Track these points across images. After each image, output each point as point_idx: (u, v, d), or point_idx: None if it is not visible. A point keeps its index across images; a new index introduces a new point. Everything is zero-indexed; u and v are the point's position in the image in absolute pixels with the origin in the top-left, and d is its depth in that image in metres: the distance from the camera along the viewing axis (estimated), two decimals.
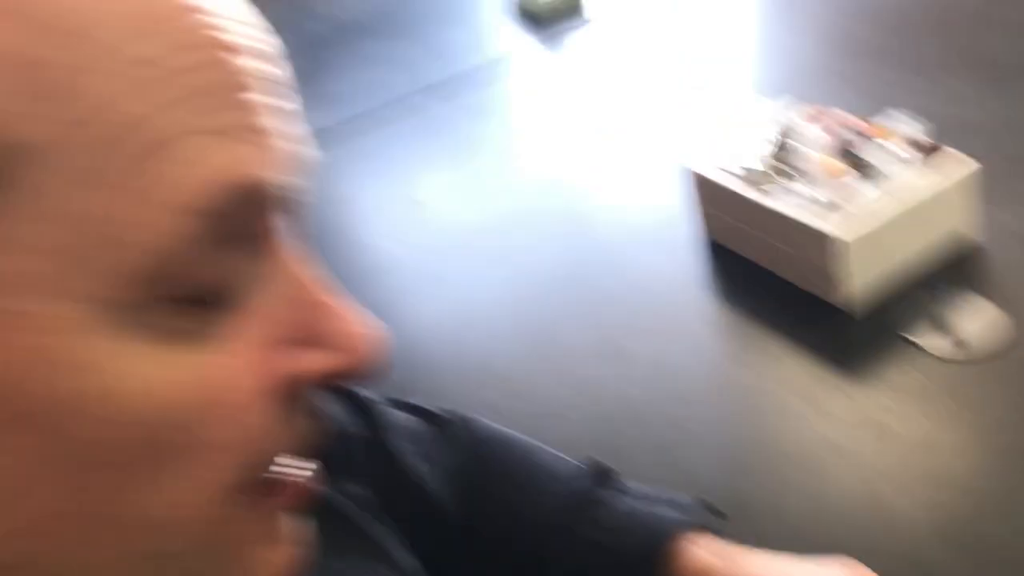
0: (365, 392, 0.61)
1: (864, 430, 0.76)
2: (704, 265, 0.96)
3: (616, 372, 0.87)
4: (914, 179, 0.85)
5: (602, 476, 0.62)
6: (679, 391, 0.84)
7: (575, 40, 1.51)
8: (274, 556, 0.32)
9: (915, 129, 0.89)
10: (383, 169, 1.30)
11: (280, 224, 0.29)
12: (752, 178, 0.90)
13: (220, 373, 0.27)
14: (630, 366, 0.87)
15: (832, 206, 0.83)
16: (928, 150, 0.88)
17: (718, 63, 1.33)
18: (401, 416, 0.63)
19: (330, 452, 0.52)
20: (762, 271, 0.91)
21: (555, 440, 0.75)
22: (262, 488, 0.30)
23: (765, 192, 0.88)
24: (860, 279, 0.82)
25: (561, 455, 0.68)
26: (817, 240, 0.82)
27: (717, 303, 0.93)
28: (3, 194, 0.23)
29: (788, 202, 0.86)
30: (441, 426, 0.65)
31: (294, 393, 0.29)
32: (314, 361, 0.29)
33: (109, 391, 0.26)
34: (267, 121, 0.27)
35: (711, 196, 0.94)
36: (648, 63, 1.39)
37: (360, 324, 0.30)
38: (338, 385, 0.30)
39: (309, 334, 0.29)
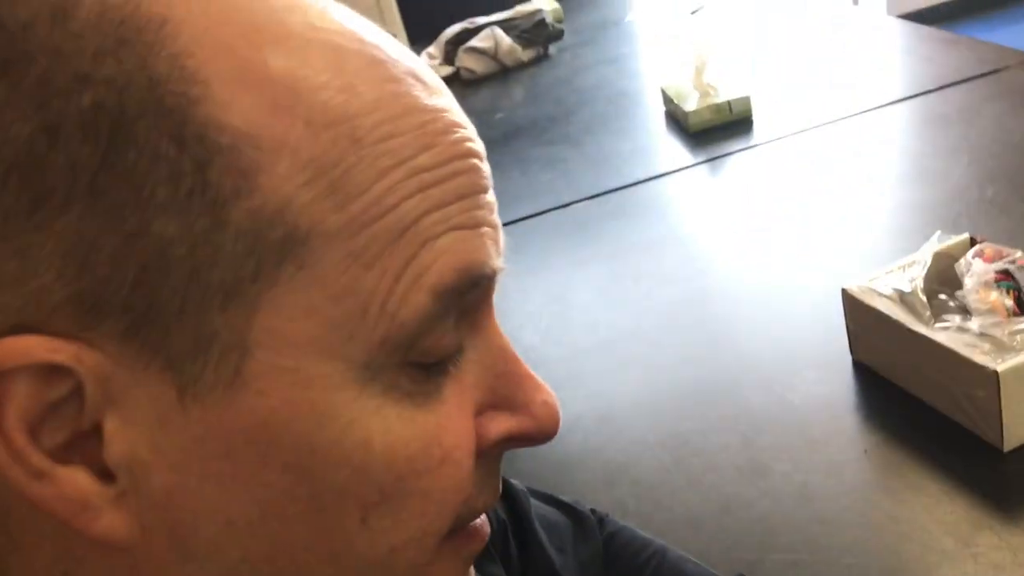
0: (511, 480, 0.64)
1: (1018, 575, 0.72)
2: (852, 387, 0.95)
3: (754, 487, 0.87)
4: None
5: None
6: (819, 512, 0.82)
7: (739, 158, 1.53)
8: None
9: None
10: (536, 268, 1.35)
11: (490, 306, 0.34)
12: (907, 302, 0.89)
13: (444, 432, 0.32)
14: (769, 482, 0.87)
15: (988, 339, 0.82)
16: None
17: (884, 190, 1.33)
18: (540, 506, 0.67)
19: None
20: (910, 397, 0.89)
21: (687, 549, 0.76)
22: (458, 536, 0.34)
23: (918, 318, 0.87)
24: (1013, 414, 0.80)
25: (695, 561, 0.69)
26: (967, 369, 0.80)
27: (863, 426, 0.91)
28: (292, 268, 0.29)
29: (941, 330, 0.84)
30: (577, 519, 0.68)
31: (493, 452, 0.34)
32: (509, 424, 0.34)
33: (361, 443, 0.29)
34: (491, 215, 0.33)
35: (862, 317, 0.93)
36: (812, 186, 1.40)
37: (546, 394, 0.34)
38: (522, 446, 0.35)
39: (504, 399, 0.34)
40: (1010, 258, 0.89)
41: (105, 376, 0.28)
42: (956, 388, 0.83)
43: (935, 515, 0.79)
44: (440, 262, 0.30)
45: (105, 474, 0.29)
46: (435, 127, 0.31)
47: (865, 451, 0.87)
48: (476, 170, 0.32)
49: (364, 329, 0.29)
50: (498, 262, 0.33)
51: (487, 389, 0.34)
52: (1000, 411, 0.80)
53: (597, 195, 1.52)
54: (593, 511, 0.73)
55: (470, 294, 0.32)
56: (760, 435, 0.92)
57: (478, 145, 0.33)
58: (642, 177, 1.54)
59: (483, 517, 0.36)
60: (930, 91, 1.57)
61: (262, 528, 0.30)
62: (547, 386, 0.35)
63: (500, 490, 0.36)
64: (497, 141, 1.84)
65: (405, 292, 0.30)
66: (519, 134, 1.86)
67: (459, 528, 0.34)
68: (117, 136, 0.26)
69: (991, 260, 0.89)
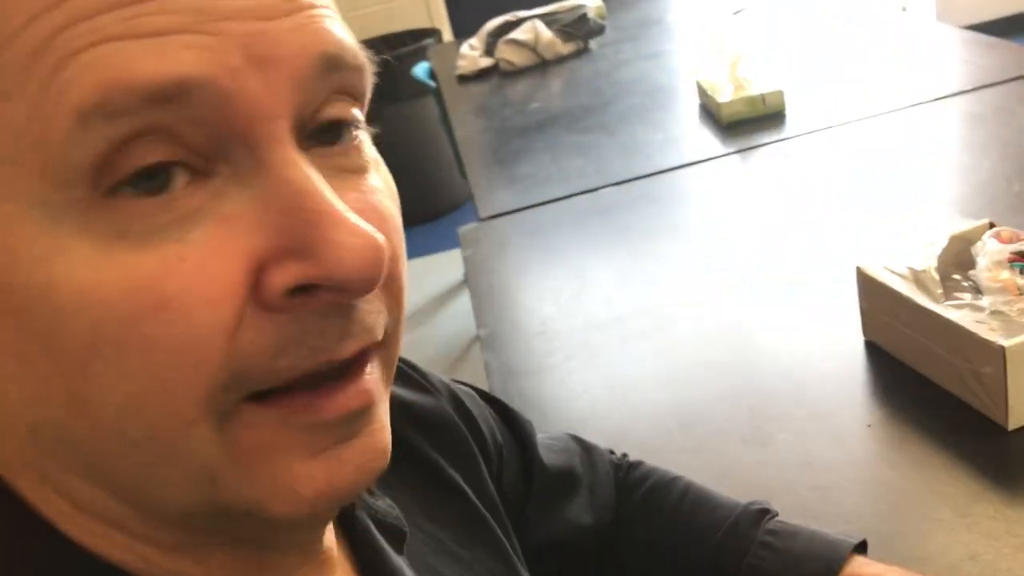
0: (515, 410, 0.66)
1: (1011, 547, 0.72)
2: (862, 365, 0.95)
3: (759, 457, 0.87)
4: None
5: (764, 510, 0.68)
6: (819, 480, 0.83)
7: (770, 150, 1.54)
8: (318, 470, 0.31)
9: None
10: (559, 247, 1.37)
11: (275, 131, 0.29)
12: (919, 281, 0.89)
13: (167, 276, 0.28)
14: (774, 453, 0.87)
15: (998, 316, 0.82)
16: None
17: (911, 183, 1.33)
18: (550, 435, 0.69)
19: (470, 453, 0.57)
20: (918, 375, 0.89)
21: None
22: (283, 401, 0.31)
23: (930, 296, 0.87)
24: (1019, 391, 0.79)
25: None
26: (974, 345, 0.80)
27: (869, 402, 0.91)
28: None
29: (951, 308, 0.85)
30: (585, 446, 0.71)
31: (287, 304, 0.29)
32: (297, 271, 0.29)
33: (52, 284, 0.28)
34: (194, 21, 0.28)
35: (875, 295, 0.93)
36: (839, 178, 1.40)
37: (347, 233, 0.29)
38: (337, 297, 0.31)
39: (299, 244, 0.29)
40: None
41: None
42: (963, 365, 0.83)
43: (935, 488, 0.79)
44: (84, 79, 0.27)
45: None
46: None
47: (869, 425, 0.87)
48: None
49: (23, 165, 0.27)
50: (219, 78, 0.28)
51: (277, 231, 0.29)
52: (1006, 388, 0.80)
53: (626, 181, 1.53)
54: (611, 451, 0.76)
55: (170, 110, 0.28)
56: (765, 406, 0.93)
57: None
58: (671, 165, 1.55)
59: (352, 388, 0.32)
60: (966, 91, 1.56)
61: (19, 371, 0.29)
62: (360, 225, 0.29)
63: (342, 354, 0.31)
64: (530, 128, 1.86)
65: (49, 118, 0.27)
66: (553, 122, 1.88)
67: (290, 391, 0.31)
68: None
69: (1007, 242, 0.89)
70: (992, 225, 0.95)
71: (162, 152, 0.28)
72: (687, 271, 1.22)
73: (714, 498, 0.70)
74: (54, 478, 0.33)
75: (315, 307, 0.30)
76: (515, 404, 0.72)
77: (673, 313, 1.13)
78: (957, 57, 1.76)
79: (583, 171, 1.61)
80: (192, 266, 0.28)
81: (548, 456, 0.67)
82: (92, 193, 0.28)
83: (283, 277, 0.29)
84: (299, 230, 0.29)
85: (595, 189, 1.52)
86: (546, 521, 0.65)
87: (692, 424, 0.93)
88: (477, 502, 0.56)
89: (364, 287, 0.30)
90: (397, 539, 0.46)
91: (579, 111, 1.92)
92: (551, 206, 1.50)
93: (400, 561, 0.45)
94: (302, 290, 0.29)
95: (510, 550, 0.57)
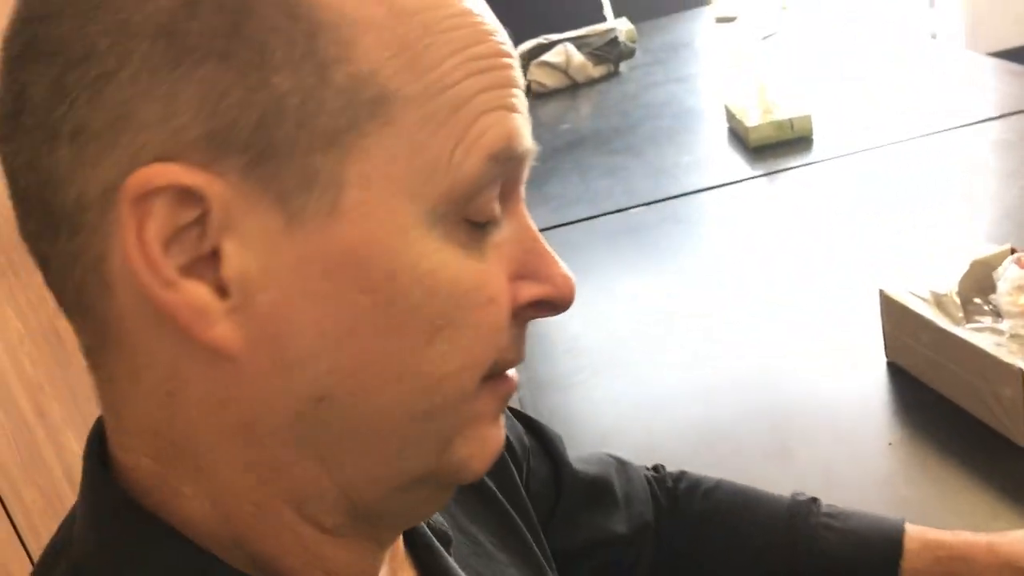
0: (545, 425, 0.69)
1: None
2: (884, 385, 0.97)
3: (781, 472, 0.89)
4: None
5: (812, 498, 0.72)
6: (840, 497, 0.84)
7: (797, 174, 1.56)
8: (497, 433, 0.42)
9: None
10: (587, 264, 1.39)
11: (522, 189, 0.40)
12: (941, 304, 0.91)
13: (490, 278, 0.38)
14: (796, 468, 0.89)
15: (1017, 339, 0.83)
16: None
17: (936, 208, 1.34)
18: (584, 453, 0.72)
19: (504, 465, 0.60)
20: (939, 396, 0.91)
21: None
22: (496, 378, 0.40)
23: (951, 319, 0.89)
24: None
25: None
26: (994, 368, 0.82)
27: (891, 421, 0.93)
28: (379, 123, 0.35)
29: (972, 331, 0.86)
30: (622, 462, 0.74)
31: (522, 314, 0.40)
32: (536, 290, 0.39)
33: (430, 272, 0.36)
34: (524, 106, 0.39)
35: (897, 317, 0.95)
36: (866, 202, 1.42)
37: (565, 269, 0.40)
38: (544, 314, 0.40)
39: (530, 271, 0.39)
40: None
41: (227, 203, 0.34)
42: (983, 387, 0.85)
43: (953, 505, 0.81)
44: (491, 132, 0.36)
45: (221, 290, 0.35)
46: (483, 27, 0.37)
47: (890, 444, 0.89)
48: (511, 67, 0.38)
49: (433, 180, 0.35)
50: (530, 144, 0.39)
51: (517, 261, 0.39)
52: (1022, 408, 0.82)
53: (654, 202, 1.56)
54: (647, 467, 0.78)
55: (510, 166, 0.38)
56: (789, 424, 0.95)
57: (510, 48, 0.39)
58: (699, 187, 1.58)
59: (514, 371, 0.42)
60: (993, 118, 1.58)
61: (348, 342, 0.35)
62: (565, 264, 0.41)
63: (524, 356, 0.42)
64: (560, 149, 1.90)
65: (465, 153, 0.36)
66: (583, 143, 1.91)
67: (496, 374, 0.40)
68: (242, 10, 0.33)
69: None
70: (1014, 251, 0.97)
71: (495, 195, 0.38)
72: (712, 291, 1.25)
73: (762, 495, 0.74)
74: (262, 454, 0.37)
75: (529, 317, 0.40)
76: (544, 418, 0.75)
77: (698, 332, 1.15)
78: (986, 84, 1.78)
79: (612, 192, 1.64)
80: (496, 274, 0.38)
81: (581, 465, 0.69)
82: (456, 212, 0.36)
83: (530, 292, 0.39)
84: (534, 261, 0.40)
85: (623, 209, 1.55)
86: (580, 527, 0.68)
87: (716, 440, 0.95)
88: (512, 511, 0.59)
89: (569, 306, 0.40)
90: (444, 542, 0.50)
91: (608, 132, 1.95)
92: (580, 225, 1.53)
93: (451, 561, 0.48)
94: (532, 304, 0.39)
95: (542, 559, 0.60)
